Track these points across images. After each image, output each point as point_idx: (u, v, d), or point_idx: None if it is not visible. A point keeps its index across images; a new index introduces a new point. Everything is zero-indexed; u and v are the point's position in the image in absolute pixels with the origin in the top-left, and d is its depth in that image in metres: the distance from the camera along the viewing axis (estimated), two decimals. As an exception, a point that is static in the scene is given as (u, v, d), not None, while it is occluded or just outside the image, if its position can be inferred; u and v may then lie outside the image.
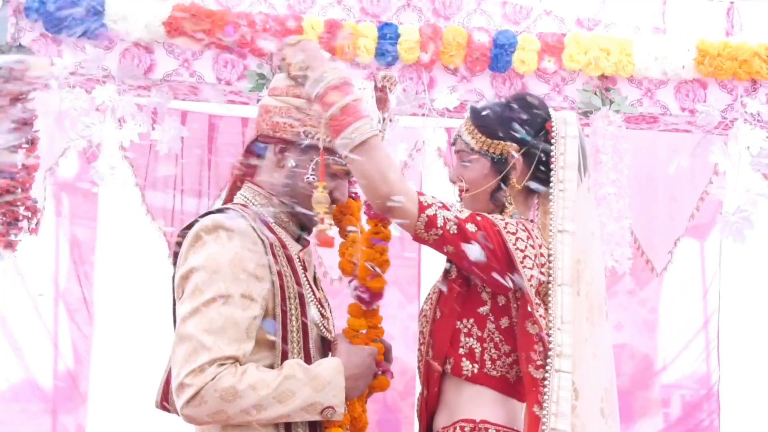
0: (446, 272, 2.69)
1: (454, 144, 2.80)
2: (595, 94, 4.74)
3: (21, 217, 4.43)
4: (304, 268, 2.63)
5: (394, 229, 2.65)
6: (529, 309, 2.55)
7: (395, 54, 4.66)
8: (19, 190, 4.41)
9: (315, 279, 2.70)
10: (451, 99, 4.70)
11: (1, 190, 4.37)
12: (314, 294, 2.62)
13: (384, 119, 2.63)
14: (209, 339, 2.37)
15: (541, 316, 2.56)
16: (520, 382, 2.62)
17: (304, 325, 2.54)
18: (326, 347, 2.60)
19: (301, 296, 2.54)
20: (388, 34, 4.65)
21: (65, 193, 5.22)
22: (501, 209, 2.72)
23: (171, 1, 4.61)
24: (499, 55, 4.68)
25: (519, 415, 2.65)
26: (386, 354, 2.73)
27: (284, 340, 2.49)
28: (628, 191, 4.72)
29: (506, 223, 2.59)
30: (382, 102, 2.63)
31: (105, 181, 4.70)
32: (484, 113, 2.73)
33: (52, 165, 4.85)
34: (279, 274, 2.50)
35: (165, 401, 2.70)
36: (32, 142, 4.49)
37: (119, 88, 4.60)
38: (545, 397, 2.54)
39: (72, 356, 5.23)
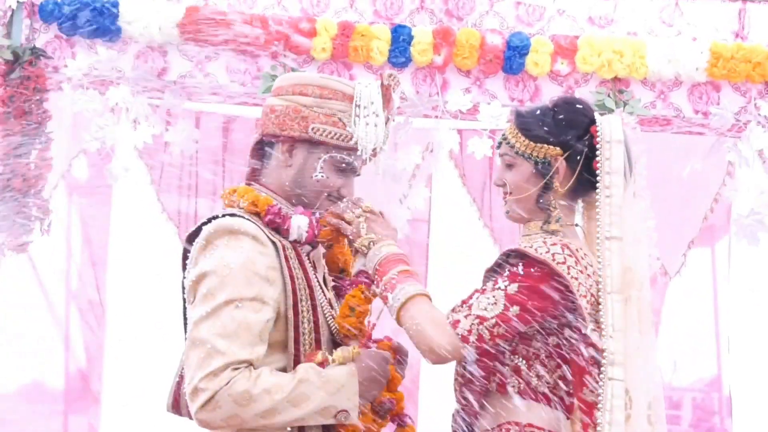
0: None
1: (498, 147, 2.76)
2: (609, 96, 4.72)
3: (33, 219, 4.43)
4: (314, 269, 2.63)
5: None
6: (583, 332, 2.53)
7: (408, 56, 4.65)
8: (32, 191, 4.42)
9: (324, 280, 2.70)
10: (464, 101, 4.69)
11: (14, 191, 4.37)
12: (324, 295, 2.62)
13: (387, 119, 2.63)
14: (223, 343, 2.38)
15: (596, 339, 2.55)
16: (566, 397, 2.59)
17: (316, 327, 2.54)
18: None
19: (312, 298, 2.54)
20: (401, 36, 4.64)
21: (78, 194, 5.22)
22: (547, 213, 2.69)
23: (185, 3, 4.61)
24: (512, 58, 4.66)
25: (564, 425, 2.61)
26: (402, 357, 2.73)
27: (296, 342, 2.50)
28: (648, 192, 4.69)
29: (553, 254, 2.56)
30: (386, 100, 2.62)
31: (119, 182, 4.71)
32: (527, 117, 2.70)
33: (65, 166, 4.85)
34: (290, 276, 2.51)
35: (176, 405, 2.71)
36: (45, 143, 4.49)
37: (133, 89, 4.60)
38: (599, 406, 2.53)
39: (84, 356, 5.24)
